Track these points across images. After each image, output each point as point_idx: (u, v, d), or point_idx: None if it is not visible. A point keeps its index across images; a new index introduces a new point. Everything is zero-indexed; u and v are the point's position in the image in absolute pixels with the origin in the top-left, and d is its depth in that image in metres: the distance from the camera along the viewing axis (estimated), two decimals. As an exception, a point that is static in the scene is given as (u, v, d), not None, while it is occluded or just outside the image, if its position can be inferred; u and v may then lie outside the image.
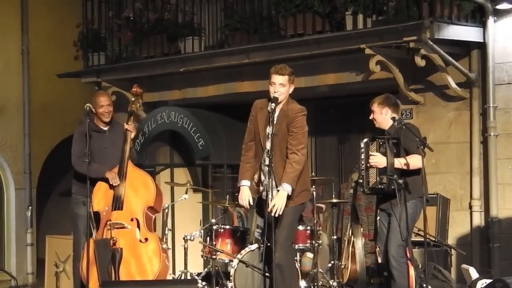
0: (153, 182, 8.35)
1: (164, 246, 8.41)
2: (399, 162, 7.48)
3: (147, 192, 8.23)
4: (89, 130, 7.98)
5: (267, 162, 7.23)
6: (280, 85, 7.27)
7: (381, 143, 7.53)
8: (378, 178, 7.50)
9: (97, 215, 8.17)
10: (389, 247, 7.56)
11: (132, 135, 8.37)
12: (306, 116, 7.34)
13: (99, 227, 8.11)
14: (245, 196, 7.35)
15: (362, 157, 7.63)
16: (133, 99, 8.62)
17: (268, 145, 7.23)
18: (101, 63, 12.09)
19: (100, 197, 8.21)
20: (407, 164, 7.46)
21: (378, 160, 7.49)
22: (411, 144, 7.47)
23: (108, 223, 8.02)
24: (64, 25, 13.00)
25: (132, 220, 8.10)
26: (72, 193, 8.47)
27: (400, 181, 7.41)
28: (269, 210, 7.11)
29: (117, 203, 8.14)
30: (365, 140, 7.66)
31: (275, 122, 7.22)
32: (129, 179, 8.22)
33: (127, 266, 7.94)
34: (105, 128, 8.44)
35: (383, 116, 7.73)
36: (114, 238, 7.92)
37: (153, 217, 8.36)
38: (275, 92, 7.25)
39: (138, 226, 8.08)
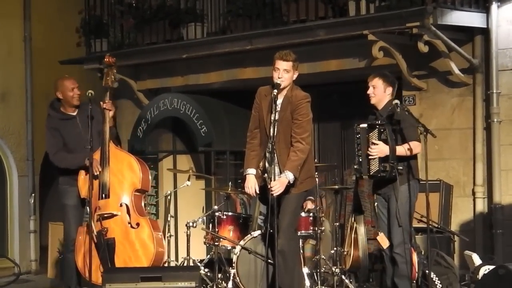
0: (137, 162, 7.95)
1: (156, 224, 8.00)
2: (400, 150, 7.42)
3: (133, 174, 7.89)
4: (58, 121, 7.89)
5: (271, 149, 7.19)
6: (284, 71, 7.22)
7: (382, 130, 7.42)
8: (381, 167, 7.38)
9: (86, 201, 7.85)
10: (392, 234, 7.53)
11: (111, 113, 7.89)
12: (310, 103, 7.30)
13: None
14: (251, 185, 7.29)
15: (359, 143, 7.52)
16: (105, 70, 8.08)
17: (271, 131, 7.20)
18: (103, 49, 12.07)
19: (86, 184, 7.81)
20: (409, 150, 7.40)
21: (381, 149, 7.38)
22: (411, 129, 7.40)
23: (96, 214, 7.73)
24: (67, 12, 12.96)
25: (121, 205, 7.81)
26: (58, 183, 8.14)
27: (400, 167, 7.38)
28: (269, 187, 7.08)
29: (104, 191, 7.83)
30: (361, 125, 7.51)
31: (279, 109, 7.19)
32: (112, 162, 7.86)
33: (121, 254, 7.76)
34: (74, 114, 8.03)
35: (378, 90, 7.55)
36: (105, 229, 7.68)
37: (142, 196, 8.05)
38: (278, 77, 7.20)
39: (128, 212, 7.81)
